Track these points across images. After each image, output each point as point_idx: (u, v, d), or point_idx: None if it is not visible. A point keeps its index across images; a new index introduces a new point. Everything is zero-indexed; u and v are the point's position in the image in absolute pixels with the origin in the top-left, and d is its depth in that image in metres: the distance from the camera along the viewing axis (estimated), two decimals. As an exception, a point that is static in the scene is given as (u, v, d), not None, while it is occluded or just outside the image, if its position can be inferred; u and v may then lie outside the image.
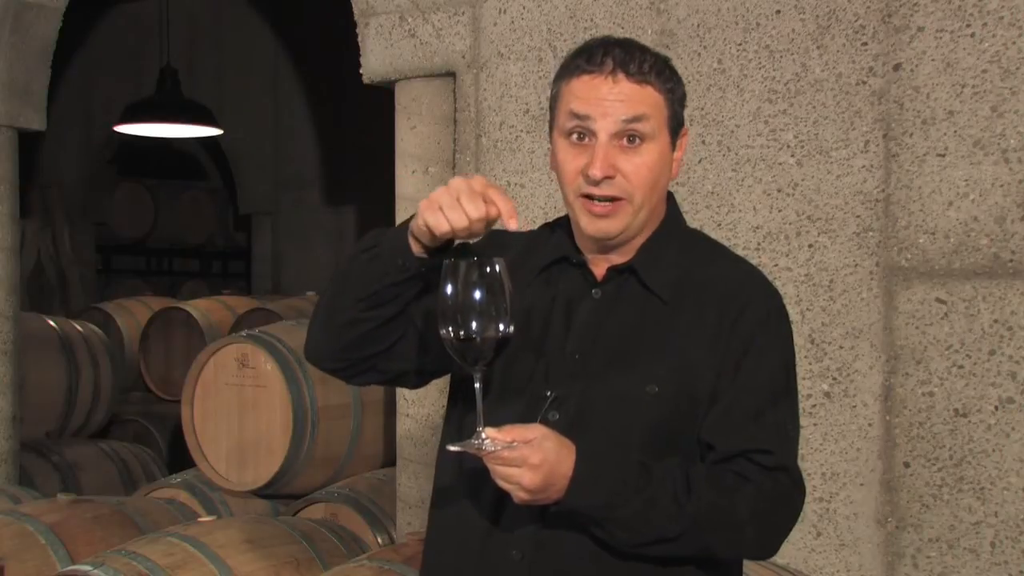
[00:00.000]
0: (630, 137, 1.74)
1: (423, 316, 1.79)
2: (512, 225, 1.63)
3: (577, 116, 1.75)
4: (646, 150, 1.75)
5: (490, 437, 1.61)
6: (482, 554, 1.80)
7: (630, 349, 1.77)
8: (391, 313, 1.76)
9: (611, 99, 1.73)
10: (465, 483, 1.83)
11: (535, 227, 1.97)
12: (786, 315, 1.86)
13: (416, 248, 1.70)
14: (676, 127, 1.80)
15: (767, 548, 1.80)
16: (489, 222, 1.65)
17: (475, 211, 1.62)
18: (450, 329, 1.60)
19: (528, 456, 1.61)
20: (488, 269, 1.60)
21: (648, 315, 1.79)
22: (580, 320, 1.81)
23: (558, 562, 1.76)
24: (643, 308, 1.79)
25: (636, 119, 1.73)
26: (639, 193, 1.75)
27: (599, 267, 1.84)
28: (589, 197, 1.75)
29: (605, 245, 1.81)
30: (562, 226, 1.89)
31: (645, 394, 1.74)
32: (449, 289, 1.61)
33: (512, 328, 1.61)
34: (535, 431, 1.64)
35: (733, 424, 1.75)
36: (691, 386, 1.75)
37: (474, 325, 1.59)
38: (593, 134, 1.75)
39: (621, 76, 1.74)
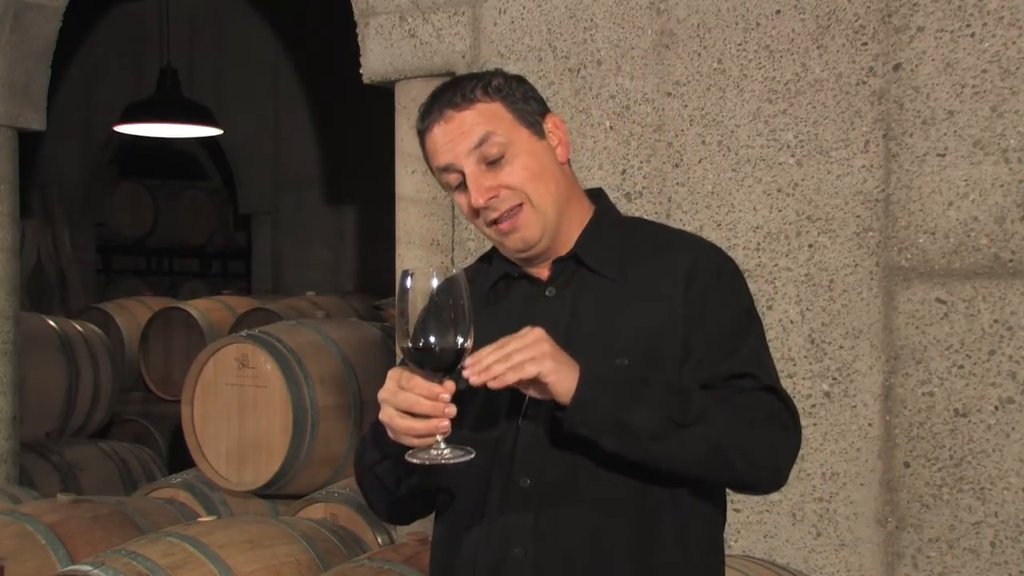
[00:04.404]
0: (489, 161, 1.81)
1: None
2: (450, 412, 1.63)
3: (443, 169, 1.84)
4: (511, 158, 1.82)
5: (474, 364, 1.61)
6: (485, 552, 1.81)
7: (593, 331, 1.80)
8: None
9: (453, 136, 1.81)
10: (464, 482, 1.83)
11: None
12: (738, 270, 1.89)
13: None
14: (532, 120, 1.86)
15: (772, 466, 1.77)
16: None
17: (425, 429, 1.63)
18: (408, 339, 1.60)
19: (528, 334, 1.64)
20: (446, 278, 1.61)
21: (602, 296, 1.83)
22: (541, 321, 1.81)
23: (560, 554, 1.76)
24: (595, 291, 1.83)
25: (483, 140, 1.80)
26: (529, 188, 1.81)
27: (542, 271, 1.88)
28: (495, 222, 1.82)
29: (536, 255, 1.85)
30: (496, 253, 1.94)
31: (616, 368, 1.75)
32: (407, 299, 1.61)
33: (471, 340, 1.61)
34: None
35: (709, 367, 1.76)
36: (658, 350, 1.77)
37: (432, 337, 1.59)
38: (463, 173, 1.82)
39: (450, 112, 1.82)
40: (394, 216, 3.76)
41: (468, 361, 1.61)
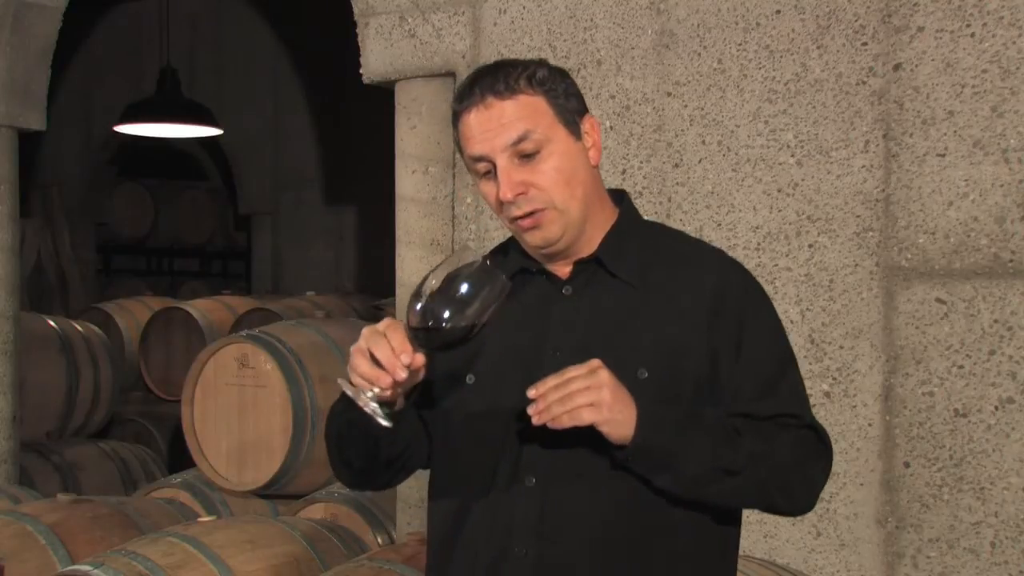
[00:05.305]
0: (524, 155, 1.77)
1: (416, 407, 1.85)
2: (399, 376, 1.64)
3: (475, 158, 1.80)
4: (546, 156, 1.78)
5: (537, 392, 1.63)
6: (486, 552, 1.80)
7: (611, 338, 1.78)
8: (395, 440, 1.84)
9: (491, 127, 1.77)
10: (463, 480, 1.83)
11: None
12: (757, 281, 1.90)
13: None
14: (571, 119, 1.82)
15: (808, 498, 1.84)
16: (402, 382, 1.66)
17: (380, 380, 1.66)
18: (420, 306, 1.62)
19: (592, 374, 1.64)
20: (492, 279, 1.63)
21: (622, 302, 1.81)
22: (556, 319, 1.82)
23: (561, 555, 1.76)
24: (615, 296, 1.82)
25: (521, 139, 1.76)
26: (556, 195, 1.78)
27: (562, 269, 1.86)
28: (518, 218, 1.80)
29: (556, 252, 1.84)
30: (514, 245, 1.92)
31: (636, 379, 1.74)
32: (444, 275, 1.63)
33: (469, 328, 1.62)
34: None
35: (752, 401, 1.78)
36: (680, 367, 1.77)
37: (446, 313, 1.61)
38: (494, 164, 1.79)
39: (491, 99, 1.77)
40: (394, 216, 3.76)
41: (531, 393, 1.63)
